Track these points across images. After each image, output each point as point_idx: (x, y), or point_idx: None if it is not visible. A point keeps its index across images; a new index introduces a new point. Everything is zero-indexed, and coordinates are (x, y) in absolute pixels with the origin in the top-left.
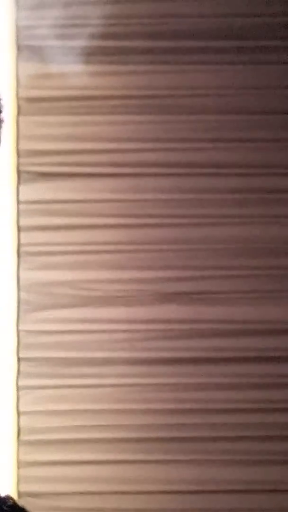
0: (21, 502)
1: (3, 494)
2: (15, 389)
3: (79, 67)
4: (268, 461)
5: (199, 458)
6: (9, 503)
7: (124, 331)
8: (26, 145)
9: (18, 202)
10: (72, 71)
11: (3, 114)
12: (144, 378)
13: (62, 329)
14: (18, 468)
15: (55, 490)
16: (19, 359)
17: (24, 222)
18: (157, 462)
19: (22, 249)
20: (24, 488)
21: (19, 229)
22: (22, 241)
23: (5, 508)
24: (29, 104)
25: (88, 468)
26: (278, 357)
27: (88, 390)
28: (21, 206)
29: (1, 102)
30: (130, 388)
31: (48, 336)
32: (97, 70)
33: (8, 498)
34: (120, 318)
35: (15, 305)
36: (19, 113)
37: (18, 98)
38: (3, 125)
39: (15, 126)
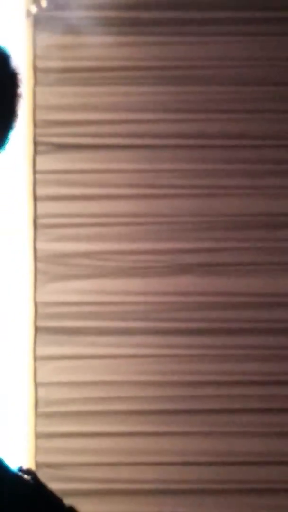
0: (39, 474)
1: (24, 467)
2: (33, 359)
3: (95, 38)
4: (284, 433)
5: (215, 430)
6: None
7: (140, 302)
8: (43, 116)
9: (35, 172)
10: (89, 42)
11: (21, 88)
12: (160, 349)
13: (79, 300)
14: (36, 439)
15: (72, 461)
16: (36, 329)
17: (40, 192)
18: (173, 434)
19: (39, 220)
20: (42, 459)
21: (35, 199)
22: (38, 212)
23: (26, 479)
24: (46, 75)
25: (105, 440)
26: None
27: (105, 361)
28: (38, 176)
29: (20, 76)
30: (146, 359)
31: (65, 306)
32: (113, 41)
33: (29, 471)
34: (136, 289)
35: (32, 275)
36: (36, 83)
37: (35, 69)
38: (21, 99)
39: (32, 97)
